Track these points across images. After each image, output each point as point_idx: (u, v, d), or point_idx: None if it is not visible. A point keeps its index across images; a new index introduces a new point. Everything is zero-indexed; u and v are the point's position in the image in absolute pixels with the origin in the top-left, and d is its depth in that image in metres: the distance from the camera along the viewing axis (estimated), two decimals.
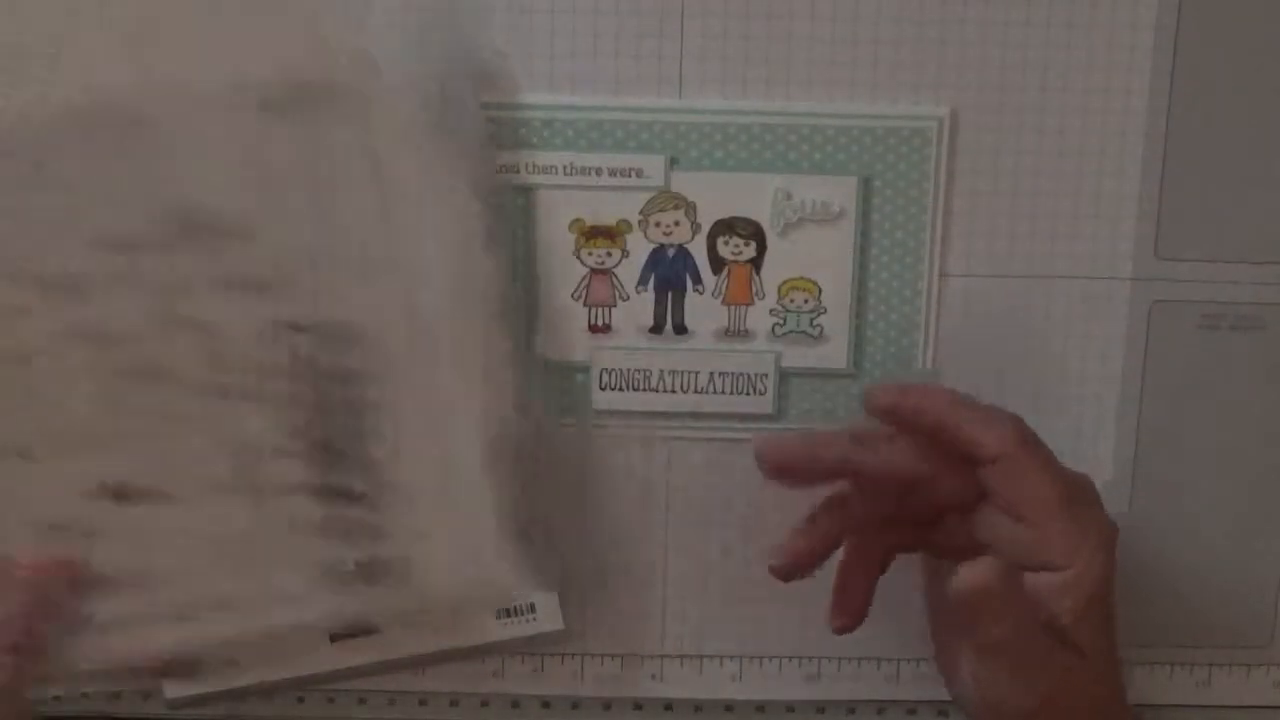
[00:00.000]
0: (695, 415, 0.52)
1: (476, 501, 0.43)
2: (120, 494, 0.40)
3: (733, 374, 0.51)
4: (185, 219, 0.38)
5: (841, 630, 0.47)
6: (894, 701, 0.54)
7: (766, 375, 0.51)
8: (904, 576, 0.49)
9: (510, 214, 0.51)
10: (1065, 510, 0.44)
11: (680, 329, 0.51)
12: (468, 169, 0.42)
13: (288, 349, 0.40)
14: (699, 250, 0.51)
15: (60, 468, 0.40)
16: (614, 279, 0.51)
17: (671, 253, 0.51)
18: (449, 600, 0.44)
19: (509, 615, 0.49)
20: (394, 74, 0.40)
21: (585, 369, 0.51)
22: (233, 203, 0.39)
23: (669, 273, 0.51)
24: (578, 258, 0.51)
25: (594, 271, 0.51)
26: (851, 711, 0.55)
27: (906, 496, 0.46)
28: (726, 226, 0.51)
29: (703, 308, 0.51)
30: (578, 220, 0.51)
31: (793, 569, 0.46)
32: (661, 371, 0.51)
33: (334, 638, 0.46)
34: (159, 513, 0.41)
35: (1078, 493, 0.45)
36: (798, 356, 0.51)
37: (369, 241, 0.40)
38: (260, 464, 0.41)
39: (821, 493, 0.47)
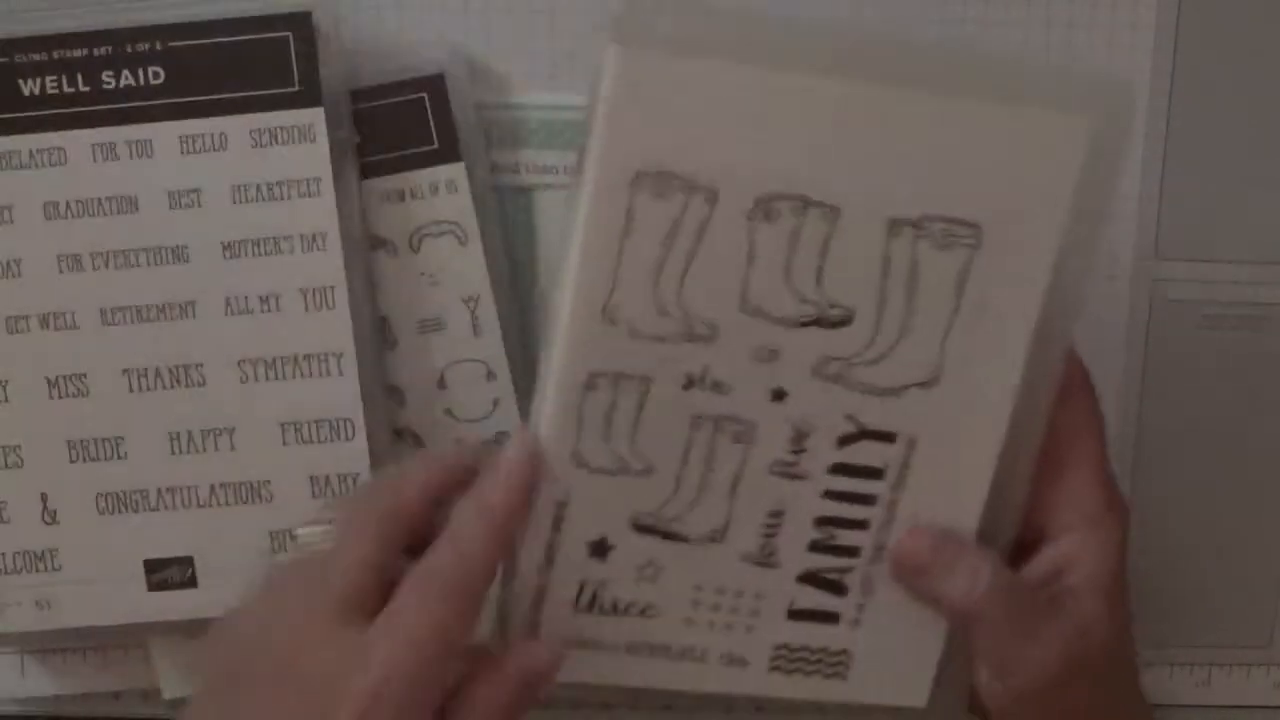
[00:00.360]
0: None
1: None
2: (642, 526, 0.42)
3: None
4: (819, 308, 0.41)
5: None
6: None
7: None
8: None
9: (510, 214, 0.51)
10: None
11: None
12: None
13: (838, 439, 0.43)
14: None
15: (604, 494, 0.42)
16: None
17: None
18: (870, 702, 0.46)
19: None
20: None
21: None
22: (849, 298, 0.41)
23: None
24: None
25: None
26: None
27: None
28: None
29: None
30: None
31: None
32: None
33: None
34: (673, 549, 0.43)
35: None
36: None
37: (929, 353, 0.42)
38: (784, 540, 0.43)
39: None
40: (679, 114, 0.39)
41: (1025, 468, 0.43)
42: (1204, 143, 0.51)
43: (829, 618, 0.44)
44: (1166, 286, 0.52)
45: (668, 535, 0.42)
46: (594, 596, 0.43)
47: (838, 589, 0.44)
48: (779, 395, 0.42)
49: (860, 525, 0.43)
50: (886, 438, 0.43)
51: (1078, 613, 0.43)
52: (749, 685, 0.44)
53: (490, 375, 0.51)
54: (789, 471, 0.42)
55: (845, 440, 0.42)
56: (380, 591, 0.39)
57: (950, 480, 0.43)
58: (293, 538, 0.44)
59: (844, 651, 0.45)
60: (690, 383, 0.41)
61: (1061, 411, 0.43)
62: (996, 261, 0.41)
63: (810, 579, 0.44)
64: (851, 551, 0.43)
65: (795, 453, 0.42)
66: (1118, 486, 0.44)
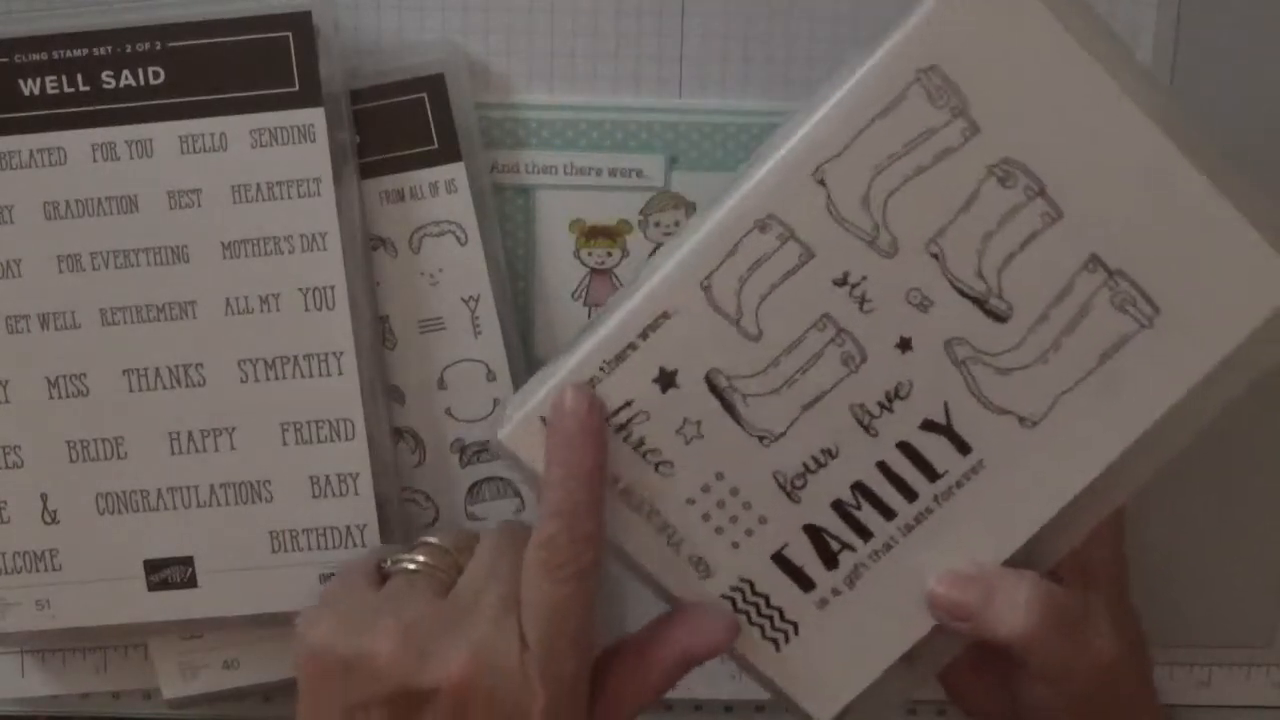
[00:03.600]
0: None
1: None
2: (713, 385, 0.42)
3: None
4: (989, 291, 0.42)
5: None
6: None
7: None
8: None
9: (510, 214, 0.51)
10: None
11: None
12: None
13: None
14: None
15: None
16: (614, 279, 0.51)
17: None
18: (780, 688, 0.45)
19: None
20: None
21: None
22: None
23: None
24: (578, 258, 0.51)
25: (594, 271, 0.51)
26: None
27: None
28: None
29: None
30: (578, 220, 0.51)
31: None
32: None
33: None
34: (722, 424, 0.43)
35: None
36: None
37: None
38: (818, 482, 0.43)
39: None
40: (991, 42, 0.40)
41: (1072, 539, 0.43)
42: None
43: (805, 582, 0.44)
44: None
45: (727, 407, 0.42)
46: (629, 420, 0.42)
47: (830, 560, 0.43)
48: (905, 345, 0.42)
49: (889, 514, 0.43)
50: (964, 447, 0.42)
51: (1110, 615, 0.44)
52: (692, 593, 0.44)
53: (490, 375, 0.51)
54: (864, 421, 0.42)
55: (928, 426, 0.42)
56: None
57: (991, 519, 0.43)
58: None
59: (794, 624, 0.44)
60: (843, 282, 0.41)
61: None
62: (1153, 350, 0.42)
63: (814, 534, 0.43)
64: (864, 533, 0.43)
65: (881, 407, 0.42)
66: None
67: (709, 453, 0.43)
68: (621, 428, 0.42)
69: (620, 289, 0.44)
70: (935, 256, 0.41)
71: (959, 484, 0.43)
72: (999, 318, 0.42)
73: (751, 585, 0.44)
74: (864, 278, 0.41)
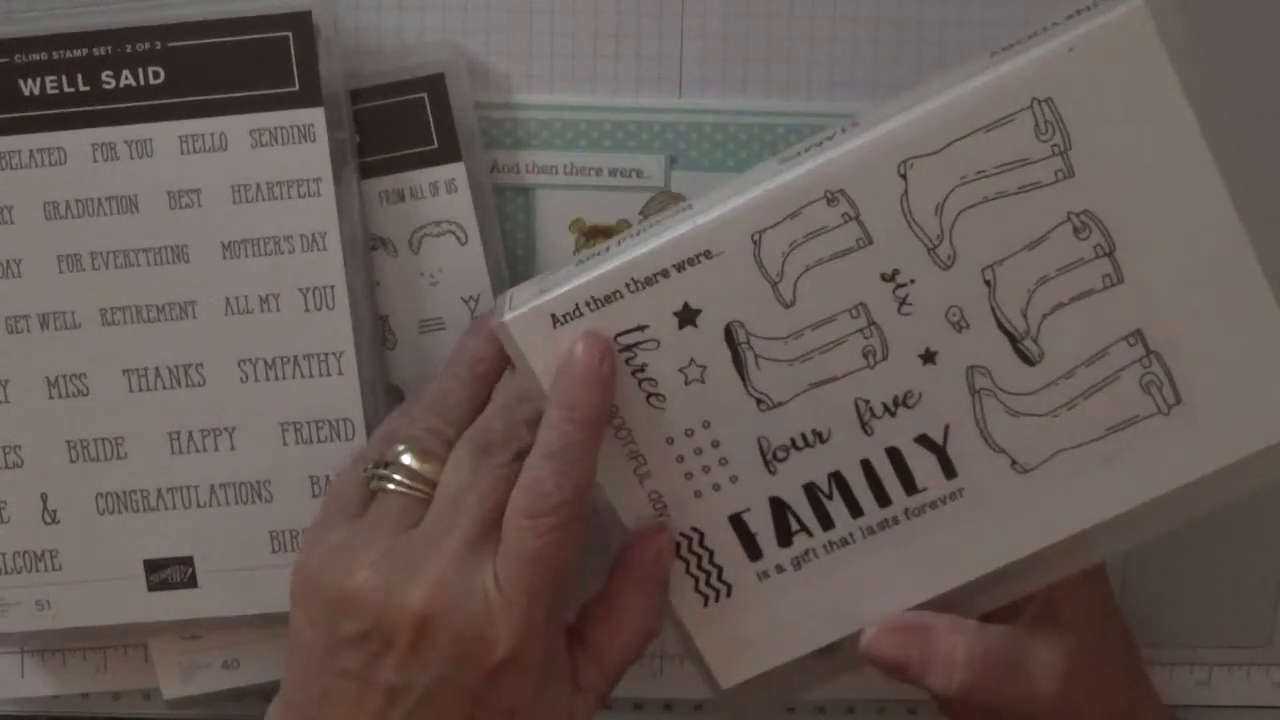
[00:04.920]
0: None
1: None
2: (731, 337, 0.42)
3: None
4: (1026, 332, 0.42)
5: None
6: (894, 701, 0.54)
7: None
8: None
9: (510, 214, 0.51)
10: None
11: None
12: None
13: None
14: None
15: None
16: None
17: None
18: (696, 646, 0.46)
19: None
20: None
21: None
22: None
23: None
24: (578, 257, 0.51)
25: None
26: (851, 711, 0.55)
27: None
28: None
29: None
30: (578, 220, 0.51)
31: None
32: None
33: None
34: (727, 376, 0.42)
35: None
36: None
37: None
38: (798, 460, 0.43)
39: None
40: (1115, 95, 0.39)
41: (1038, 584, 0.44)
42: None
43: (754, 550, 0.44)
44: None
45: (737, 361, 0.42)
46: (636, 344, 0.42)
47: (785, 538, 0.43)
48: (929, 357, 0.42)
49: (856, 511, 0.43)
50: (951, 471, 0.42)
51: (1066, 655, 0.44)
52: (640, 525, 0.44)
53: None
54: (864, 416, 0.42)
55: (923, 441, 0.42)
56: None
57: (954, 547, 0.43)
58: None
59: (729, 586, 0.44)
60: (890, 279, 0.41)
61: None
62: (1161, 438, 0.42)
63: (777, 508, 0.43)
64: (827, 522, 0.43)
65: (885, 409, 0.42)
66: None
67: (704, 399, 0.42)
68: (626, 349, 0.42)
69: (665, 213, 0.44)
70: (988, 283, 0.41)
71: (934, 505, 0.43)
72: (1028, 360, 0.41)
73: (701, 536, 0.44)
74: (912, 280, 0.41)
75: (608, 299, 0.42)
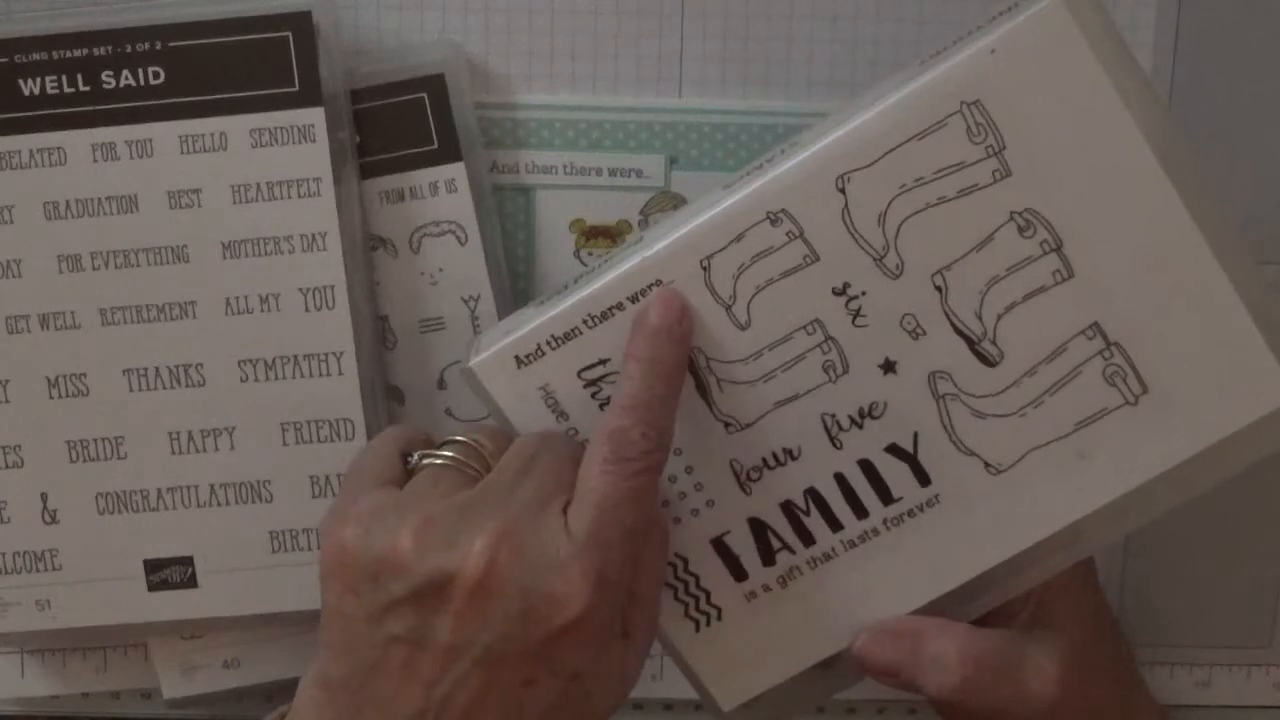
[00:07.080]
0: None
1: None
2: (693, 362, 0.42)
3: None
4: (983, 334, 0.42)
5: None
6: (894, 701, 0.54)
7: None
8: None
9: (510, 214, 0.51)
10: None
11: None
12: None
13: None
14: None
15: None
16: None
17: None
18: (691, 666, 0.45)
19: None
20: None
21: None
22: None
23: None
24: (578, 257, 0.51)
25: None
26: (851, 711, 0.55)
27: None
28: None
29: None
30: (578, 220, 0.51)
31: None
32: None
33: None
34: (694, 403, 0.42)
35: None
36: None
37: None
38: (773, 480, 0.43)
39: None
40: (1042, 92, 0.39)
41: (1025, 585, 0.44)
42: (1203, 143, 0.51)
43: (739, 572, 0.44)
44: None
45: (700, 387, 0.42)
46: (600, 378, 0.42)
47: (768, 557, 0.43)
48: (889, 367, 0.42)
49: (836, 526, 0.43)
50: (924, 479, 0.42)
51: (1061, 656, 0.43)
52: None
53: None
54: (832, 431, 0.42)
55: (894, 450, 0.42)
56: None
57: (936, 554, 0.43)
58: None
59: (718, 609, 0.44)
60: (841, 293, 0.41)
61: None
62: (1131, 429, 0.41)
63: (757, 529, 0.43)
64: (808, 539, 0.43)
65: (852, 421, 0.42)
66: None
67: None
68: (591, 384, 0.42)
69: (616, 249, 0.44)
70: (938, 288, 0.41)
71: (911, 513, 0.43)
72: (988, 361, 0.41)
73: (685, 563, 0.44)
74: (863, 293, 0.41)
75: (567, 336, 0.42)
